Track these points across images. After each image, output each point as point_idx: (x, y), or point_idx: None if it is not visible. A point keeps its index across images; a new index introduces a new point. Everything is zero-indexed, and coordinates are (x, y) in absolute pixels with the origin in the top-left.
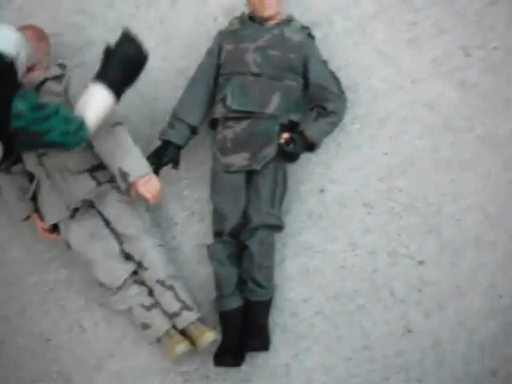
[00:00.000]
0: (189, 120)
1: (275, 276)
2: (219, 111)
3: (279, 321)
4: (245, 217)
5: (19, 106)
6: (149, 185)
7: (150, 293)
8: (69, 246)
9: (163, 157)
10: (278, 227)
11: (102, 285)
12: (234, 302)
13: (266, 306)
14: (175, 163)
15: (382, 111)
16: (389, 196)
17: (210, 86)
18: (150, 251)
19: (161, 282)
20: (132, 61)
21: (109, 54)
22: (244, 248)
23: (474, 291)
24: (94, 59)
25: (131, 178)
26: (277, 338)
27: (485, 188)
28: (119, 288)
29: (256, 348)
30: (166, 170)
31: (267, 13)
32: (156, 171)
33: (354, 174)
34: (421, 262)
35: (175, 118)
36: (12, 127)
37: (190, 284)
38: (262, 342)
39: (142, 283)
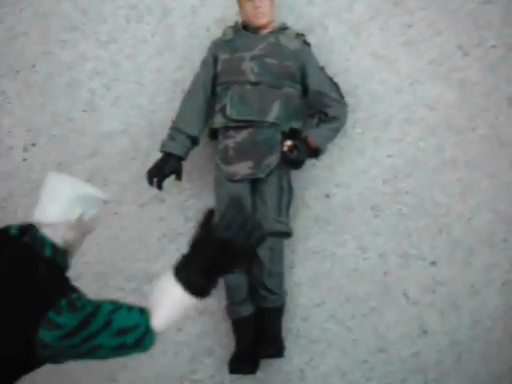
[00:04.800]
0: (189, 131)
1: (286, 282)
2: (219, 121)
3: (292, 326)
4: None
5: (45, 335)
6: None
7: None
8: None
9: (165, 169)
10: (287, 234)
11: None
12: (246, 310)
13: (278, 313)
14: (177, 174)
15: (383, 114)
16: (396, 198)
17: (208, 96)
18: None
19: None
20: (236, 253)
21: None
22: None
23: (488, 289)
24: (86, 75)
25: None
26: (290, 343)
27: (493, 186)
28: None
29: (270, 355)
30: (169, 181)
31: (261, 22)
32: (159, 184)
33: (358, 177)
34: (433, 263)
35: (175, 130)
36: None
37: None
38: (276, 348)
39: None
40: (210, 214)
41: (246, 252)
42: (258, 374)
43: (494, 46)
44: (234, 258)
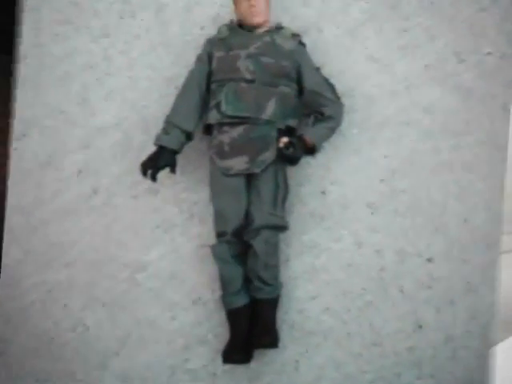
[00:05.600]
0: (183, 126)
1: (281, 275)
2: (213, 117)
3: (287, 318)
4: (247, 217)
5: None
6: None
7: None
8: None
9: (159, 161)
10: (282, 227)
11: None
12: (241, 300)
13: (273, 304)
14: (172, 167)
15: (379, 116)
16: (392, 197)
17: (203, 92)
18: None
19: None
20: None
21: None
22: (248, 247)
23: (485, 286)
24: (78, 69)
25: None
26: (285, 334)
27: (488, 189)
28: None
29: (265, 345)
30: (162, 174)
31: (256, 20)
32: (153, 176)
33: (354, 176)
34: (429, 260)
35: (169, 124)
36: None
37: (193, 283)
38: (270, 338)
39: None
40: None
41: None
42: (252, 364)
43: (489, 53)
44: None
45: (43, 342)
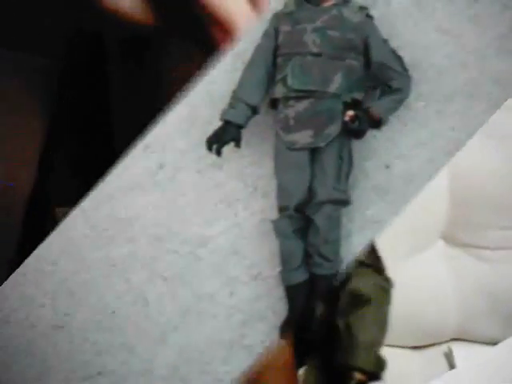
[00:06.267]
0: (249, 100)
1: (341, 250)
2: (279, 91)
3: None
4: (310, 192)
5: None
6: None
7: None
8: None
9: (224, 136)
10: (345, 202)
11: None
12: (300, 276)
13: (331, 280)
14: (237, 142)
15: (447, 88)
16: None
17: (269, 67)
18: None
19: None
20: None
21: None
22: (310, 222)
23: None
24: None
25: None
26: None
27: None
28: None
29: None
30: (227, 148)
31: None
32: (218, 151)
33: (419, 149)
34: None
35: (235, 99)
36: None
37: (254, 258)
38: None
39: None
40: None
41: None
42: None
43: None
44: None
45: (105, 316)
